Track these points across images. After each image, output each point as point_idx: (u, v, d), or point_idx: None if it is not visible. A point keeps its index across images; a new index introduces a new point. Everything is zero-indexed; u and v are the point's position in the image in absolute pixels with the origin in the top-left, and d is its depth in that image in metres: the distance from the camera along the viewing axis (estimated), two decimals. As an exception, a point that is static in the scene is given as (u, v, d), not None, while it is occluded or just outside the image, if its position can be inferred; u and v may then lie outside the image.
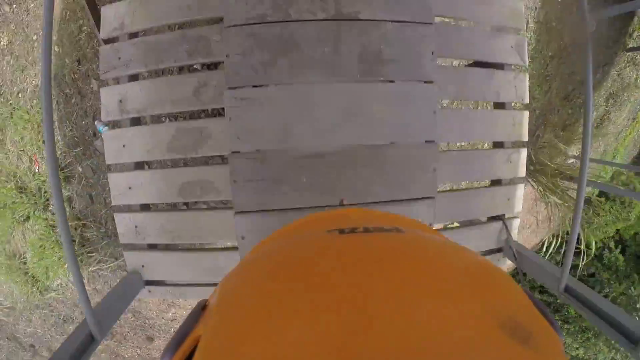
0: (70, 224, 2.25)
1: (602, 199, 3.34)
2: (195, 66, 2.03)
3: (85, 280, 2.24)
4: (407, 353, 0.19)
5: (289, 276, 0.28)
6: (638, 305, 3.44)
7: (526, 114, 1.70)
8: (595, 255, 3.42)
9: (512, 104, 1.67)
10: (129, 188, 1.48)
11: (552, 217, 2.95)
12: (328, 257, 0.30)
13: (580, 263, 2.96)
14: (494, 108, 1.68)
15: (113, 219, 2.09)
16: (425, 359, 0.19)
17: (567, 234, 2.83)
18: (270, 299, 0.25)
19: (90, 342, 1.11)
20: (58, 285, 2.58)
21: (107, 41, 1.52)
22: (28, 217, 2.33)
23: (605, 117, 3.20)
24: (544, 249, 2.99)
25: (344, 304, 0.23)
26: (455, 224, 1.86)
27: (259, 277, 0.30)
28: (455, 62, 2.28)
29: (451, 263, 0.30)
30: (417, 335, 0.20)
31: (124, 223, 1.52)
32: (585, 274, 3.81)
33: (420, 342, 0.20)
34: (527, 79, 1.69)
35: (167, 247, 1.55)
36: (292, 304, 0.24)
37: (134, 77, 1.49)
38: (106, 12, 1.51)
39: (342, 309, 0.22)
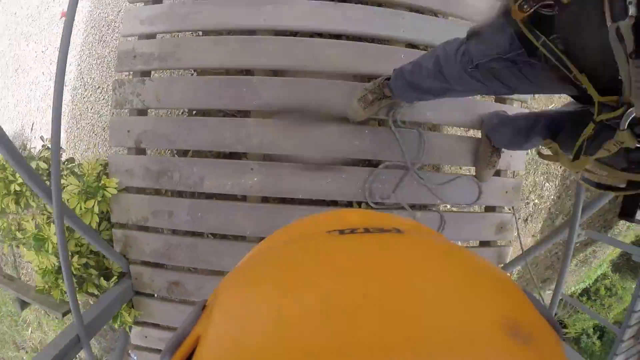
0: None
1: (584, 299, 3.77)
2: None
3: None
4: (405, 352, 0.19)
5: (289, 276, 0.28)
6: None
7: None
8: (573, 338, 3.99)
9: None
10: None
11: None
12: (328, 257, 0.30)
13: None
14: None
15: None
16: (424, 359, 0.19)
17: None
18: (269, 299, 0.26)
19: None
20: None
21: None
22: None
23: (590, 254, 3.37)
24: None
25: (343, 306, 0.23)
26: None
27: (259, 277, 0.30)
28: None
29: (451, 263, 0.30)
30: (415, 335, 0.21)
31: None
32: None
33: (419, 342, 0.20)
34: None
35: None
36: (293, 304, 0.24)
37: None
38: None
39: (341, 311, 0.23)
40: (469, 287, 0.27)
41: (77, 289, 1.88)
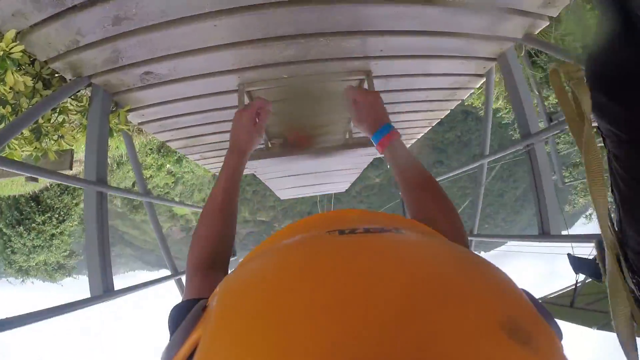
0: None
1: None
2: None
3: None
4: (407, 353, 0.20)
5: (289, 278, 0.28)
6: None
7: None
8: None
9: None
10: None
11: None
12: (327, 259, 0.31)
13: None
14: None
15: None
16: (426, 359, 0.19)
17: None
18: (270, 301, 0.26)
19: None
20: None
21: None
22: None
23: None
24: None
25: (345, 306, 0.24)
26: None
27: (259, 279, 0.30)
28: None
29: (452, 263, 0.30)
30: (417, 335, 0.21)
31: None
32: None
33: (421, 342, 0.21)
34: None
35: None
36: (292, 306, 0.24)
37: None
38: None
39: (343, 310, 0.23)
40: (469, 287, 0.27)
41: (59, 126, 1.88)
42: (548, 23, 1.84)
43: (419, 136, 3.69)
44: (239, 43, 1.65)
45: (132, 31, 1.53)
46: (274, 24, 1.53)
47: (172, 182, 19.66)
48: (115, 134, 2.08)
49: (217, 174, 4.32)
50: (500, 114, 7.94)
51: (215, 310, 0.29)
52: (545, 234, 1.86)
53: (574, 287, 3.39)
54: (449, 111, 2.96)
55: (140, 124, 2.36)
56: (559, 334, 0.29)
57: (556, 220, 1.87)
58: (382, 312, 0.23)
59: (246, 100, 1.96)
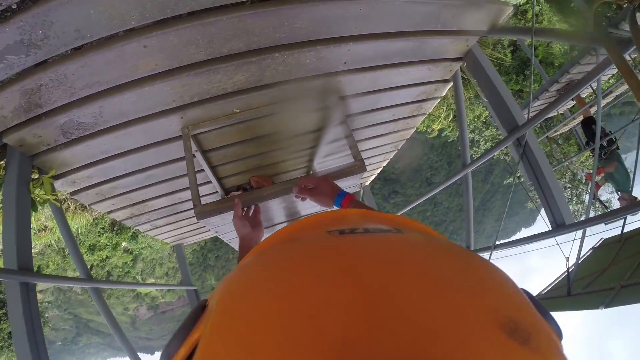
0: None
1: None
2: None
3: None
4: (407, 353, 0.20)
5: (289, 278, 0.28)
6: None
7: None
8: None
9: None
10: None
11: None
12: (329, 259, 0.31)
13: None
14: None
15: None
16: (423, 358, 0.19)
17: None
18: (270, 301, 0.26)
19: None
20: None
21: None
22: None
23: None
24: None
25: (345, 305, 0.24)
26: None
27: (260, 279, 0.30)
28: None
29: (451, 263, 0.30)
30: (416, 336, 0.21)
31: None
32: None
33: (420, 343, 0.20)
34: None
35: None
36: (293, 306, 0.24)
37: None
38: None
39: (343, 309, 0.23)
40: (468, 287, 0.27)
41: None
42: (512, 9, 1.80)
43: (385, 164, 3.49)
44: (177, 70, 1.36)
45: (44, 64, 1.22)
46: (218, 37, 1.27)
47: (131, 260, 18.21)
48: (40, 207, 1.68)
49: (176, 244, 3.72)
50: (444, 133, 8.09)
51: (215, 310, 0.28)
52: (560, 226, 1.68)
53: (566, 275, 3.20)
54: (414, 129, 2.81)
55: (72, 193, 1.96)
56: (558, 333, 0.28)
57: (567, 209, 1.69)
58: (382, 311, 0.23)
59: (194, 148, 1.65)
